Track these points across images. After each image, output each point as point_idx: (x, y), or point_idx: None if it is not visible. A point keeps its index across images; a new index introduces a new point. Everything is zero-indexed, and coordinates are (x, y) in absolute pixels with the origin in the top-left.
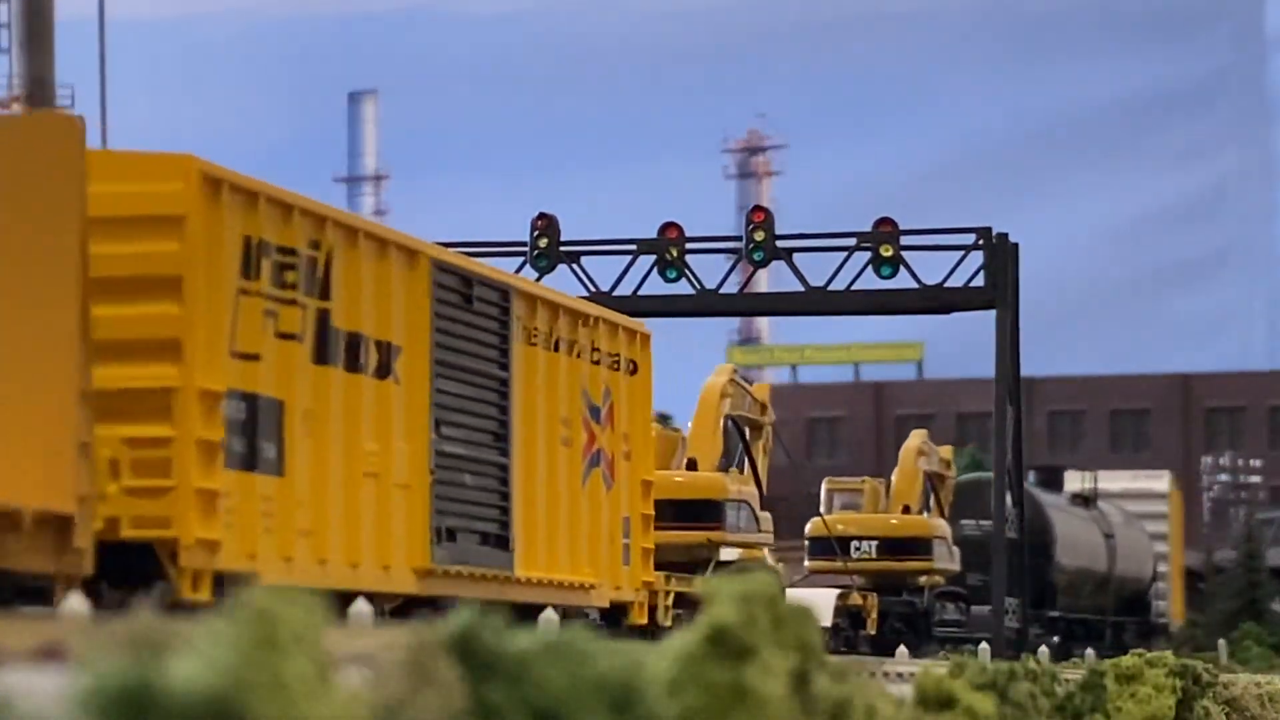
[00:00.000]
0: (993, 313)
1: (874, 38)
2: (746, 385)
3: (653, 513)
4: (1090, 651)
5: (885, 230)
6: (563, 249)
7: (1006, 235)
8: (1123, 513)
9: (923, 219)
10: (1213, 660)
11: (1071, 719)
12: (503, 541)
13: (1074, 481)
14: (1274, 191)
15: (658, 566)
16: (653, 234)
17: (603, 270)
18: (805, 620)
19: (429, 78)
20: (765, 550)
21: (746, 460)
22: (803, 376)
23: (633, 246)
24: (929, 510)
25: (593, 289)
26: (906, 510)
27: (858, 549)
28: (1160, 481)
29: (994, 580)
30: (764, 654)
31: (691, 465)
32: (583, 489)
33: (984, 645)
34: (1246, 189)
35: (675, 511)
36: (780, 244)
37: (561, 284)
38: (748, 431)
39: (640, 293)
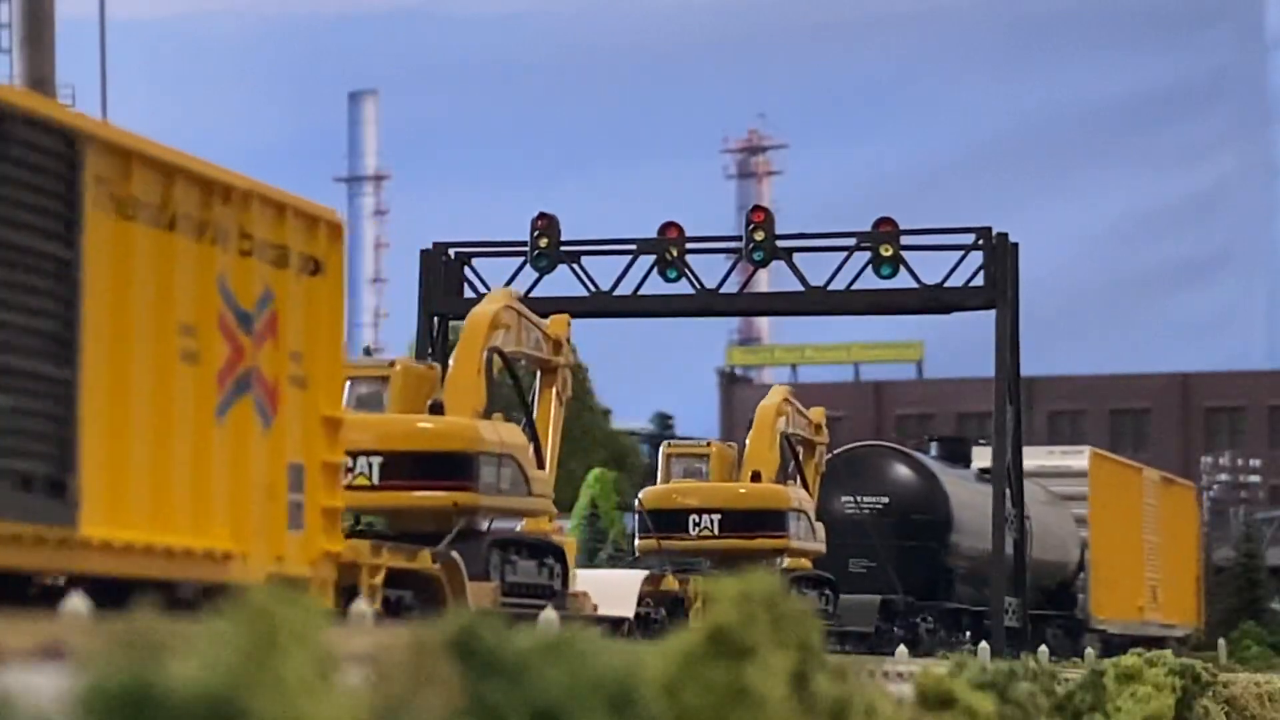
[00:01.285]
0: (993, 313)
1: (874, 38)
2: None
3: (342, 462)
4: (1086, 652)
5: (885, 230)
6: (563, 249)
7: (1006, 235)
8: (1047, 492)
9: (923, 219)
10: (1212, 659)
11: (1071, 718)
12: (58, 488)
13: (985, 456)
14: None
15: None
16: (653, 234)
17: (603, 270)
18: (805, 620)
19: (429, 78)
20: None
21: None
22: (803, 376)
23: (633, 246)
24: (791, 481)
25: (593, 289)
26: (757, 478)
27: (698, 524)
28: (1079, 458)
29: (994, 580)
30: (763, 654)
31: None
32: (218, 422)
33: (984, 645)
34: (1246, 189)
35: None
36: (780, 244)
37: (562, 284)
38: (800, 450)
39: (640, 293)
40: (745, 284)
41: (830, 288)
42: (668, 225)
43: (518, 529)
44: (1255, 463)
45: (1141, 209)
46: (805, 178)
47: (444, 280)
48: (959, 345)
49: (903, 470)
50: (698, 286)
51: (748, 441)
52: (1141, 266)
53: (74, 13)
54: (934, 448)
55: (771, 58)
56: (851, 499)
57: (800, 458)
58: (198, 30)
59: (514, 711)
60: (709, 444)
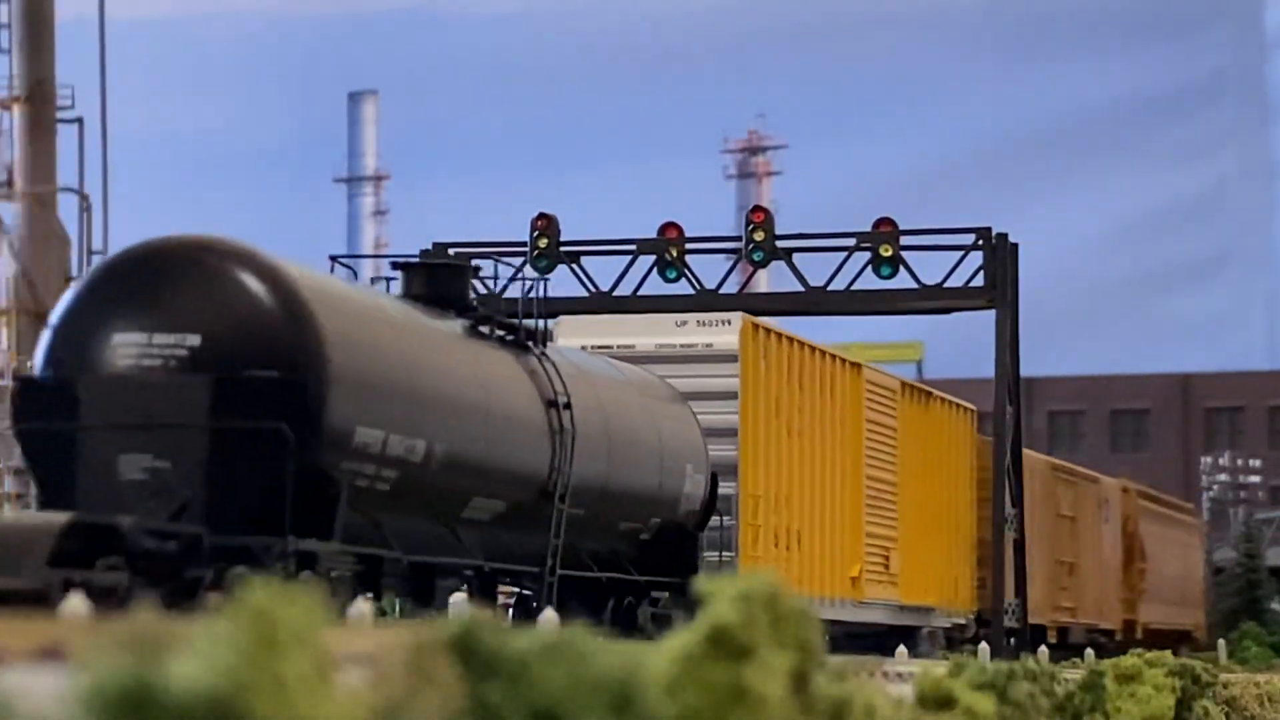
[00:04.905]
0: (993, 313)
1: (874, 38)
2: None
3: None
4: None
5: (885, 230)
6: (563, 249)
7: (1006, 235)
8: (670, 388)
9: (923, 219)
10: (1212, 660)
11: (1071, 719)
12: None
13: (579, 332)
14: (1274, 191)
15: None
16: (653, 234)
17: (603, 270)
18: (805, 620)
19: (429, 78)
20: None
21: None
22: None
23: (633, 246)
24: None
25: (593, 289)
26: None
27: None
28: (725, 332)
29: (994, 582)
30: (763, 654)
31: None
32: None
33: (984, 645)
34: (1246, 189)
35: None
36: (780, 244)
37: (562, 284)
38: None
39: (640, 293)
40: (745, 284)
41: (830, 288)
42: (667, 225)
43: None
44: (1255, 463)
45: (1141, 209)
46: (805, 178)
47: None
48: (959, 345)
49: (239, 285)
50: (697, 286)
51: None
52: (1141, 266)
53: (74, 13)
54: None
55: (771, 58)
56: (133, 337)
57: None
58: (198, 30)
59: (514, 712)
60: None
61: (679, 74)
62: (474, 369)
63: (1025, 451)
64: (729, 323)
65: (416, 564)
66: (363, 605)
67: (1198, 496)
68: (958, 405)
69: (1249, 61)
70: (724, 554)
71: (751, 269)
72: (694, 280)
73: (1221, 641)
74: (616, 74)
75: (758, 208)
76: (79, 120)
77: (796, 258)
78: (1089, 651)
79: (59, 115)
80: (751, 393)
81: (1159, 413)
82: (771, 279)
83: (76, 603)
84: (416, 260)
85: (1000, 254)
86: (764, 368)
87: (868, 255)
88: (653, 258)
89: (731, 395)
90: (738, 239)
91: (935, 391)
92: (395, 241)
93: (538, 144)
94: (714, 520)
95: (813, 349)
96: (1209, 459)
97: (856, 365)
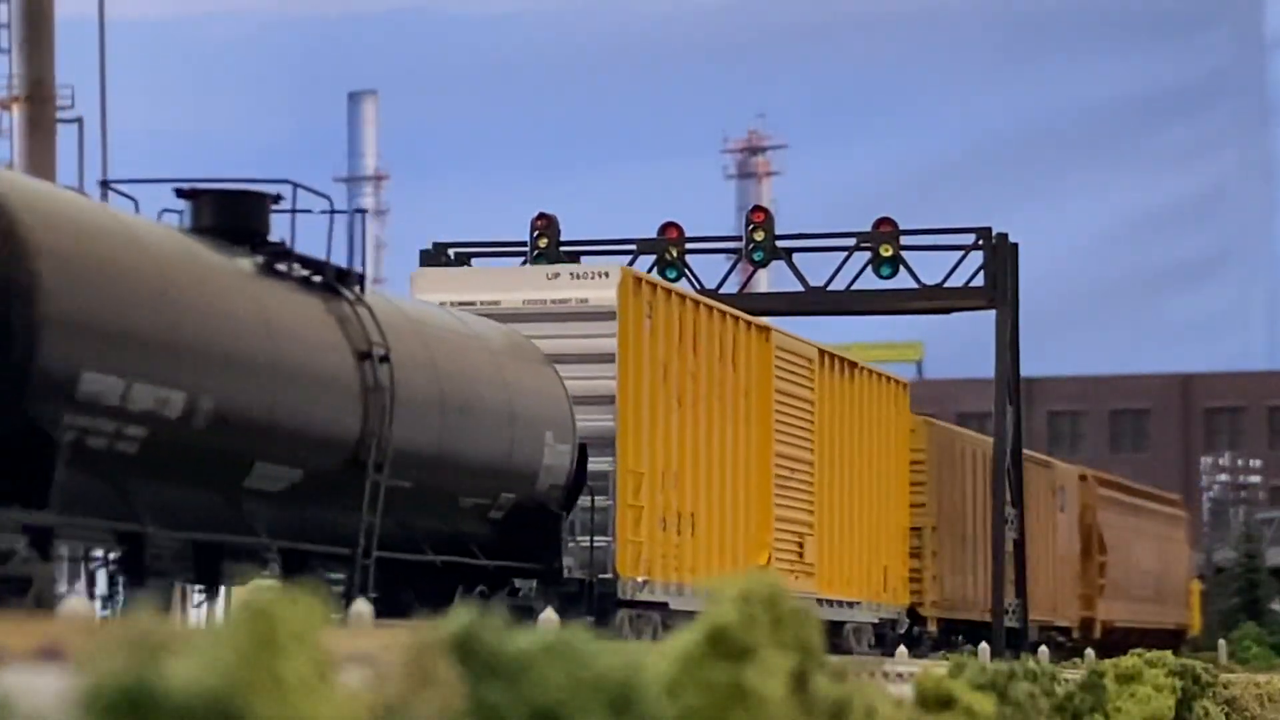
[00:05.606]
0: (993, 313)
1: (874, 38)
2: None
3: None
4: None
5: (885, 230)
6: (563, 249)
7: (1006, 235)
8: (531, 346)
9: (923, 219)
10: (1212, 660)
11: (1071, 719)
12: None
13: (438, 286)
14: (1274, 191)
15: None
16: (653, 234)
17: None
18: (805, 620)
19: (429, 78)
20: None
21: None
22: None
23: (633, 246)
24: None
25: None
26: None
27: None
28: (604, 288)
29: (994, 583)
30: (764, 654)
31: None
32: None
33: (984, 645)
34: (1246, 189)
35: None
36: (780, 244)
37: None
38: None
39: None
40: (745, 284)
41: (830, 288)
42: (668, 225)
43: None
44: (1255, 463)
45: (1141, 209)
46: (805, 178)
47: None
48: (959, 345)
49: None
50: (698, 286)
51: None
52: (1141, 266)
53: (73, 13)
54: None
55: (771, 58)
56: None
57: None
58: (197, 31)
59: (514, 712)
60: None
61: (679, 74)
62: (259, 312)
63: (958, 430)
64: (606, 275)
65: (200, 544)
66: (362, 606)
67: (1198, 496)
68: (889, 379)
69: (1249, 61)
70: (598, 538)
71: (751, 269)
72: (694, 280)
73: (1222, 642)
74: (616, 74)
75: (758, 208)
76: (79, 120)
77: (796, 258)
78: (1089, 652)
79: (59, 115)
80: (632, 355)
81: (1159, 413)
82: (771, 279)
83: (76, 602)
84: (204, 186)
85: (1000, 254)
86: (648, 327)
87: (868, 255)
88: (653, 258)
89: (609, 357)
90: (738, 239)
91: (862, 362)
92: (395, 241)
93: (538, 144)
94: (598, 502)
95: (710, 309)
96: (1209, 459)
97: (764, 329)
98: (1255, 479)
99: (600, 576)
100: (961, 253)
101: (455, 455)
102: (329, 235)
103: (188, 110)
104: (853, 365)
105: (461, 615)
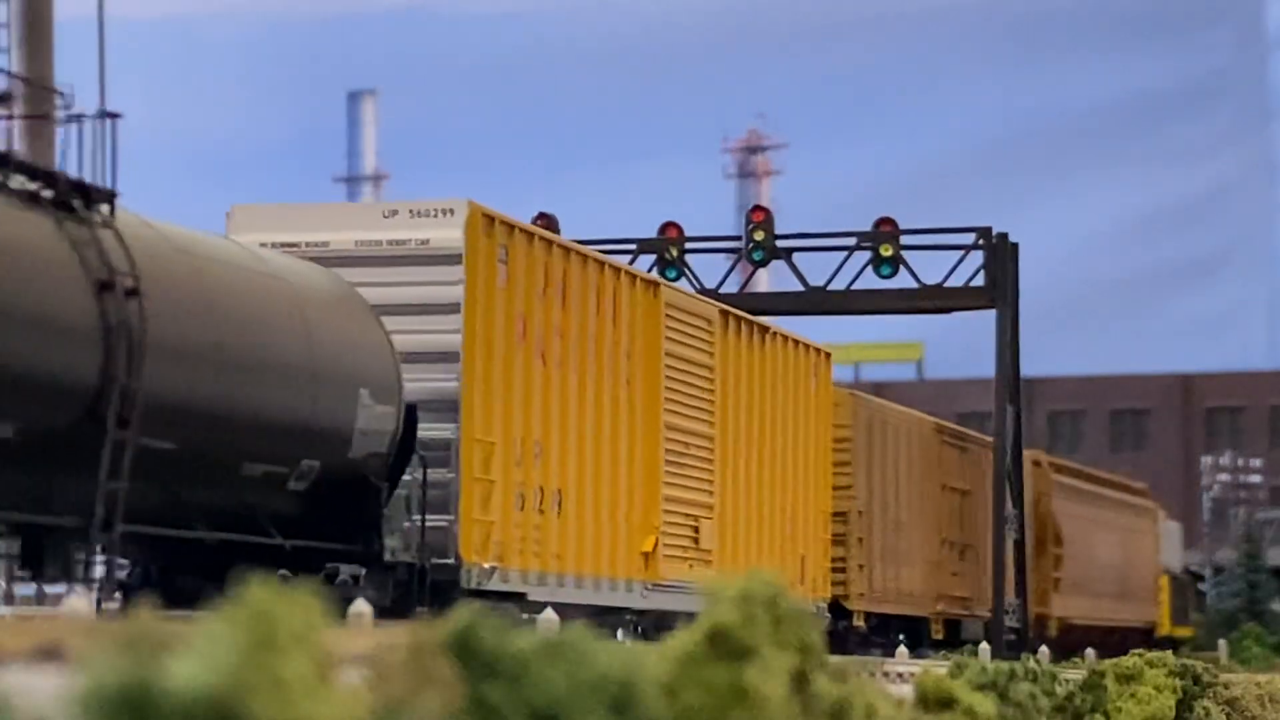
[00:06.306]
0: (993, 313)
1: (874, 38)
2: None
3: None
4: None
5: (885, 230)
6: None
7: (1006, 235)
8: (347, 289)
9: (923, 219)
10: (1213, 660)
11: (1072, 719)
12: None
13: (256, 225)
14: (1274, 191)
15: None
16: (653, 234)
17: None
18: (805, 620)
19: (429, 78)
20: None
21: None
22: None
23: (633, 246)
24: None
25: None
26: None
27: None
28: (448, 227)
29: (994, 583)
30: (764, 654)
31: None
32: None
33: (984, 645)
34: (1247, 189)
35: None
36: (780, 244)
37: None
38: None
39: None
40: (745, 284)
41: (830, 288)
42: (668, 225)
43: None
44: (1256, 463)
45: (1141, 209)
46: (805, 178)
47: None
48: (959, 345)
49: None
50: (697, 286)
51: None
52: (1141, 266)
53: (73, 12)
54: None
55: (771, 58)
56: None
57: None
58: (197, 30)
59: (514, 711)
60: None
61: (679, 74)
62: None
63: (890, 405)
64: (451, 213)
65: None
66: (362, 605)
67: (1198, 496)
68: (809, 346)
69: (1249, 61)
70: (437, 518)
71: (751, 269)
72: (694, 280)
73: (1222, 642)
74: (616, 74)
75: (758, 207)
76: (79, 119)
77: (796, 257)
78: (1089, 651)
79: (59, 115)
80: (482, 304)
81: (1159, 413)
82: (772, 279)
83: (76, 602)
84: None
85: (1000, 254)
86: (504, 274)
87: (868, 255)
88: (653, 257)
89: (454, 308)
90: (738, 239)
91: (775, 327)
92: None
93: (537, 143)
94: (441, 476)
95: (584, 256)
96: (1209, 459)
97: (653, 283)
98: (1256, 479)
99: (437, 561)
100: (961, 253)
101: (235, 413)
102: (78, 147)
103: (188, 110)
104: (764, 329)
105: (461, 615)
